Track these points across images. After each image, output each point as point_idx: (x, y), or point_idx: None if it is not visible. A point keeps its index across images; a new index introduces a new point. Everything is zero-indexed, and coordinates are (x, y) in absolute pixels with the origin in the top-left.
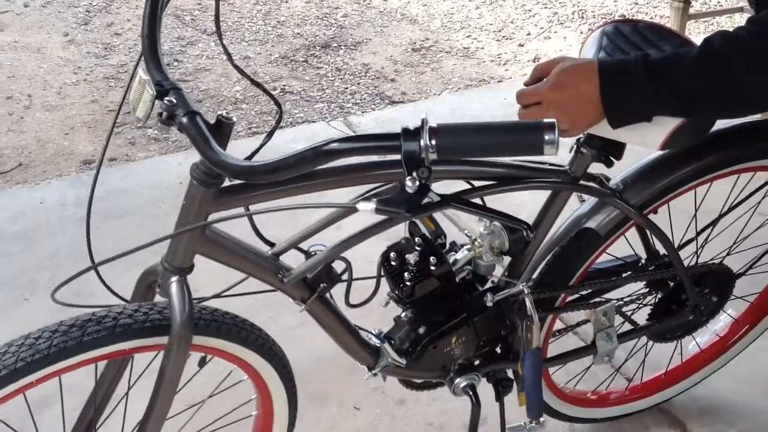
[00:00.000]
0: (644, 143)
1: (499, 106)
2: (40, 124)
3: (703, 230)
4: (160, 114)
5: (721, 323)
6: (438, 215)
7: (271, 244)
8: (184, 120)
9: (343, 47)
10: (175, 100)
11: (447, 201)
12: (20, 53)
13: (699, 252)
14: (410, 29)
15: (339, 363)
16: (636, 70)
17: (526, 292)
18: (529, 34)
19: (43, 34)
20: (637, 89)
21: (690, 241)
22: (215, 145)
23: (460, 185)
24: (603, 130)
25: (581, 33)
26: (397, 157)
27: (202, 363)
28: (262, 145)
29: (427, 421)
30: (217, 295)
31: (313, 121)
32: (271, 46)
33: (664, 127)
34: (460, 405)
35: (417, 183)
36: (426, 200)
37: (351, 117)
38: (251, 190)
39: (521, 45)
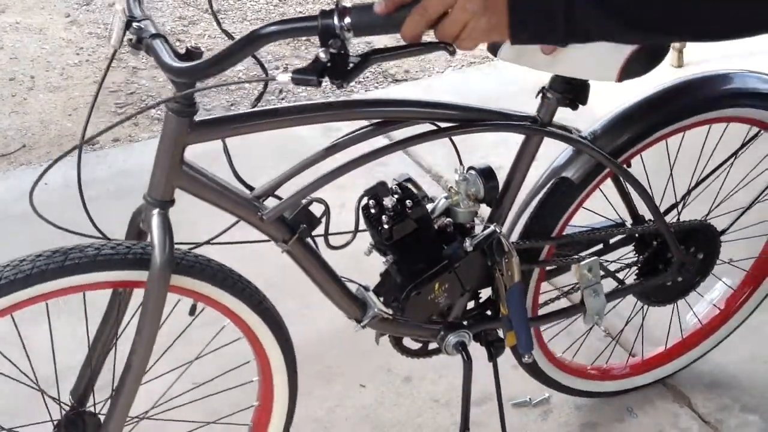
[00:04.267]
0: (601, 76)
1: (501, 83)
2: (43, 106)
3: (692, 189)
4: (130, 40)
5: (717, 293)
6: (419, 172)
7: (251, 188)
8: (150, 42)
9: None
10: (143, 26)
11: (366, 58)
12: (22, 34)
13: (680, 210)
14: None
15: (344, 342)
16: None
17: (498, 231)
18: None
19: (44, 15)
20: None
21: (679, 202)
22: (172, 58)
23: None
24: (561, 66)
25: None
26: None
27: (193, 311)
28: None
29: (434, 398)
30: (203, 243)
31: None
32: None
33: (618, 55)
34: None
35: (329, 53)
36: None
37: (354, 96)
38: (224, 123)
39: None
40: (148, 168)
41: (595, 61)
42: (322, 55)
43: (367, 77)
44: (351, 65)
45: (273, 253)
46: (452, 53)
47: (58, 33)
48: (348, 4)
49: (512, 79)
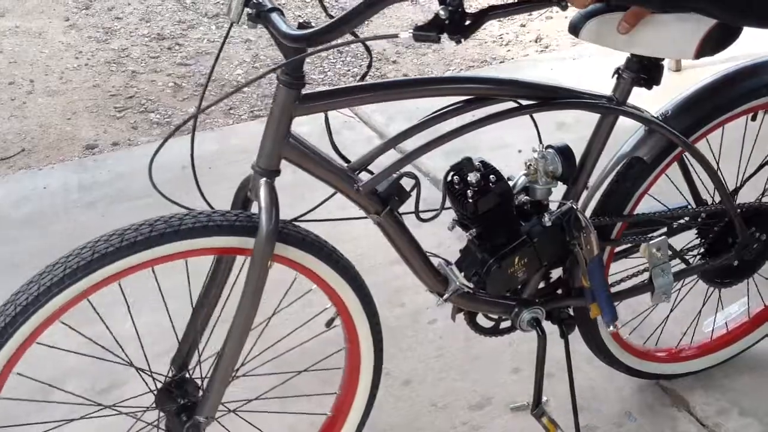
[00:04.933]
0: (679, 53)
1: None
2: (43, 110)
3: (755, 172)
4: (249, 14)
5: None
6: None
7: (348, 161)
8: (267, 14)
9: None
10: (260, 1)
11: (482, 14)
12: (21, 38)
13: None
14: (411, 11)
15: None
16: None
17: (575, 207)
18: (530, 14)
19: (44, 19)
20: None
21: (742, 185)
22: (286, 26)
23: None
24: (639, 45)
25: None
26: None
27: (330, 323)
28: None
29: (432, 402)
30: (301, 216)
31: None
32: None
33: (695, 34)
34: (465, 386)
35: (448, 10)
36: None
37: (485, 75)
38: (330, 96)
39: (523, 25)
40: (145, 170)
41: (673, 39)
42: (442, 13)
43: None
44: (468, 22)
45: None
46: (564, 8)
47: (58, 37)
48: None
49: None
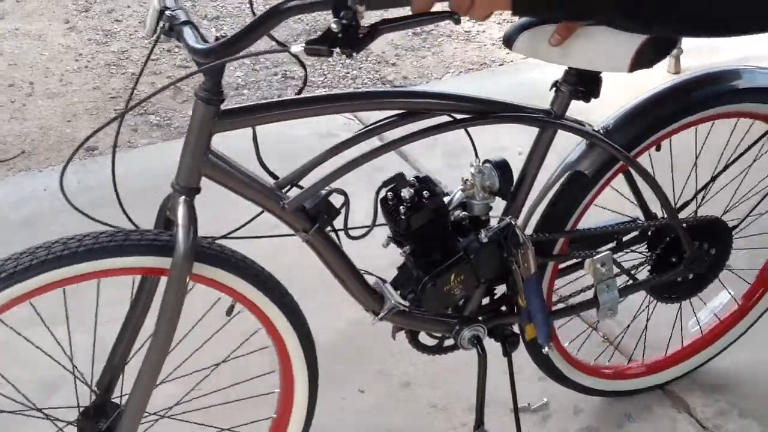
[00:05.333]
0: (613, 67)
1: (500, 90)
2: (43, 112)
3: (705, 186)
4: (163, 27)
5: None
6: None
7: (276, 177)
8: (180, 28)
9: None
10: (175, 15)
11: (375, 28)
12: (21, 41)
13: (698, 204)
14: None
15: (343, 347)
16: None
17: (513, 223)
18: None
19: (43, 21)
20: None
21: (692, 199)
22: (198, 41)
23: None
24: (573, 58)
25: None
26: None
27: (230, 311)
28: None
29: (432, 403)
30: (227, 235)
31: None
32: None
33: (629, 46)
34: (464, 388)
35: (341, 23)
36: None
37: (420, 89)
38: (251, 111)
39: None
40: (147, 173)
41: (607, 52)
42: (334, 26)
43: (365, 83)
44: (361, 35)
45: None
46: (457, 22)
47: (57, 39)
48: None
49: (511, 85)
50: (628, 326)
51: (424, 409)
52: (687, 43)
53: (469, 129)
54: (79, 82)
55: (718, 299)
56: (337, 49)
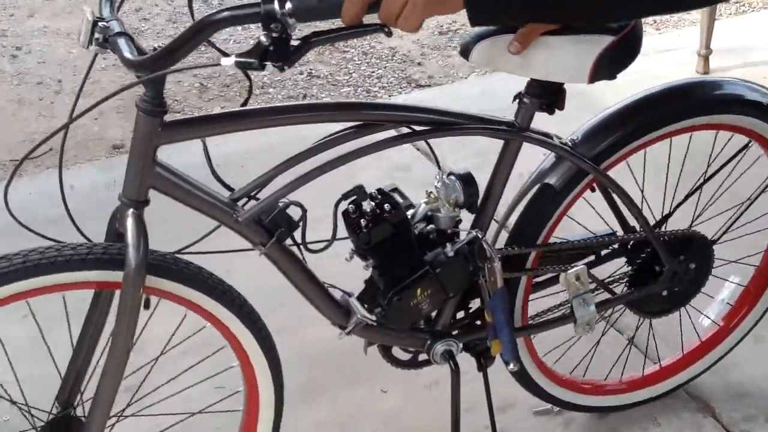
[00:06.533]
0: (573, 78)
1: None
2: (70, 110)
3: (684, 200)
4: (98, 39)
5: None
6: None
7: (231, 189)
8: (114, 39)
9: None
10: (108, 25)
11: (306, 41)
12: (50, 38)
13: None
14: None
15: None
16: None
17: (480, 237)
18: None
19: (72, 20)
20: None
21: (672, 212)
22: (132, 53)
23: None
24: (533, 69)
25: None
26: None
27: (147, 305)
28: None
29: None
30: (183, 249)
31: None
32: (297, 30)
33: (587, 57)
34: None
35: (271, 37)
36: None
37: (377, 101)
38: (196, 123)
39: None
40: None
41: (566, 62)
42: (264, 39)
43: (391, 82)
44: (292, 49)
45: None
46: (389, 34)
47: None
48: None
49: None
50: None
51: (449, 410)
52: (717, 43)
53: (448, 141)
54: (106, 81)
55: (725, 290)
56: (269, 63)
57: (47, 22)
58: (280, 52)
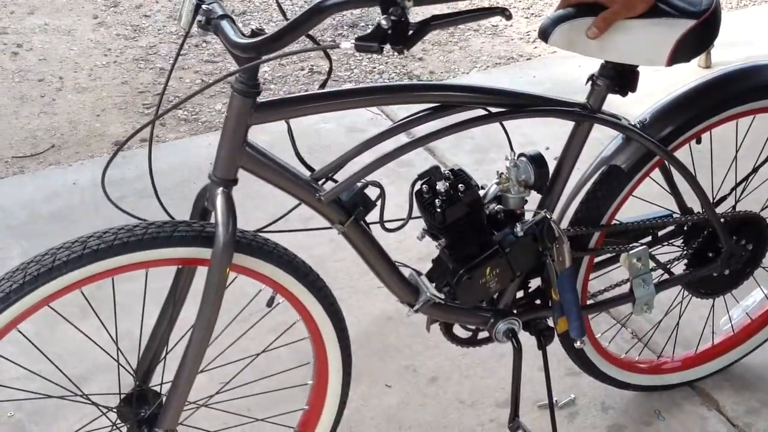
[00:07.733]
0: (651, 60)
1: (527, 83)
2: (72, 106)
3: (743, 180)
4: (200, 21)
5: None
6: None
7: (312, 169)
8: (217, 22)
9: (370, 27)
10: (211, 8)
11: (425, 24)
12: (51, 36)
13: (738, 199)
14: (437, 8)
15: (371, 342)
16: None
17: (549, 217)
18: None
19: (72, 17)
20: None
21: (729, 193)
22: (238, 35)
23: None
24: (611, 51)
25: None
26: None
27: (271, 302)
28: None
29: (459, 399)
30: (265, 227)
31: (376, 84)
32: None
33: (667, 40)
34: (493, 383)
35: (391, 20)
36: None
37: (455, 83)
38: (287, 104)
39: None
40: (175, 168)
41: (646, 45)
42: (384, 23)
43: (392, 77)
44: (411, 32)
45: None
46: (509, 18)
47: (86, 34)
48: None
49: (539, 80)
50: (659, 322)
51: (452, 405)
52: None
53: (504, 123)
54: (107, 77)
55: (751, 297)
56: (388, 46)
57: (48, 19)
58: (399, 36)
